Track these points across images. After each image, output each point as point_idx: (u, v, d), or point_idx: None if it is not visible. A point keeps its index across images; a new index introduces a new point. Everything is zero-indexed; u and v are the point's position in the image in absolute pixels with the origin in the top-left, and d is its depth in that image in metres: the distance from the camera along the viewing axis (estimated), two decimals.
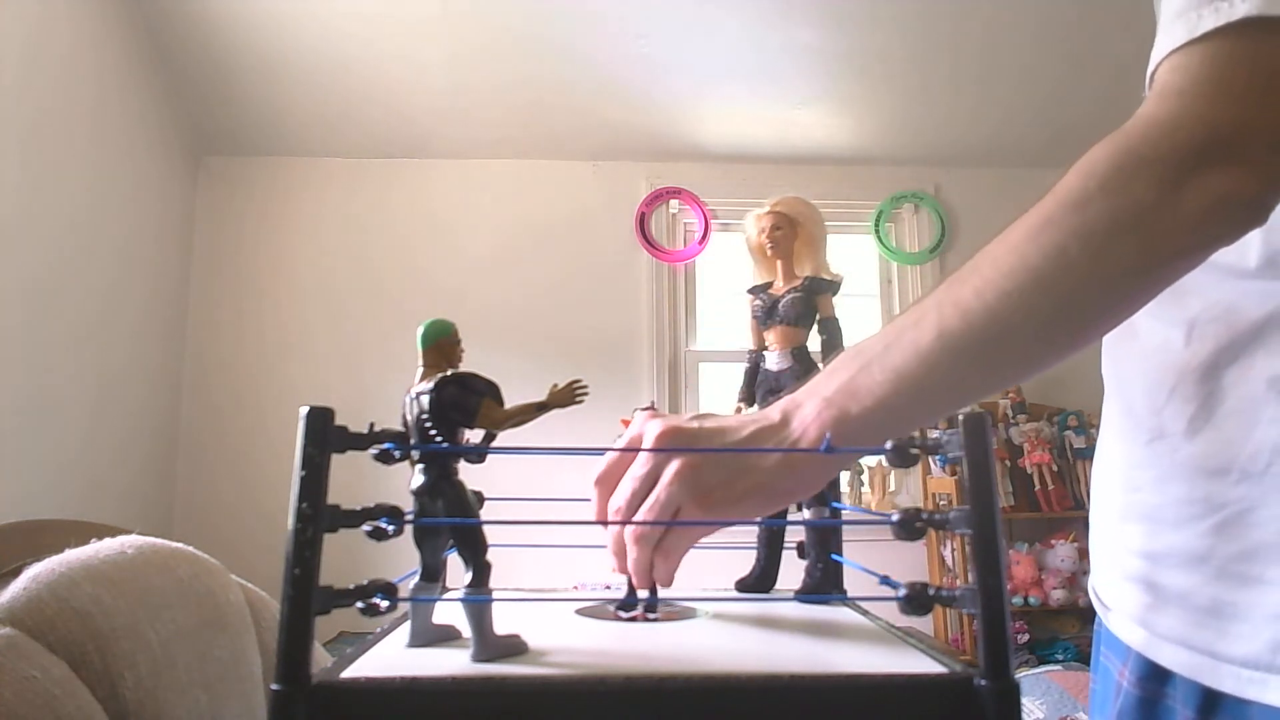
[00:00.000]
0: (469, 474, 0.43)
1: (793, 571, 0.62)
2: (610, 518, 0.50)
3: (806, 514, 0.61)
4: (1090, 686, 0.73)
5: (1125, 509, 0.62)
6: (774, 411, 0.50)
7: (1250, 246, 0.52)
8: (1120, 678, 0.62)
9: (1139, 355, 0.61)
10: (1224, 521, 0.54)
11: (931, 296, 0.50)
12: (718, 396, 3.05)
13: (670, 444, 0.48)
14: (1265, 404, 0.52)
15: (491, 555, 0.41)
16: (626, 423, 0.66)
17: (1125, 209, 0.45)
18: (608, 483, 0.50)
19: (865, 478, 2.94)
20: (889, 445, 0.37)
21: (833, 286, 0.68)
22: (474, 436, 0.43)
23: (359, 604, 0.33)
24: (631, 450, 0.49)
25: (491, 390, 0.42)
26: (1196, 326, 0.56)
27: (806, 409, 0.49)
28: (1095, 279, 0.46)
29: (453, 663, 0.38)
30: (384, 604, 0.33)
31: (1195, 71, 0.46)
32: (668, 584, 0.49)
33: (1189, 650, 0.55)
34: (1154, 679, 0.58)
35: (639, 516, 0.48)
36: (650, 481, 0.48)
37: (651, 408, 0.66)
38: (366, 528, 0.35)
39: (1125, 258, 0.46)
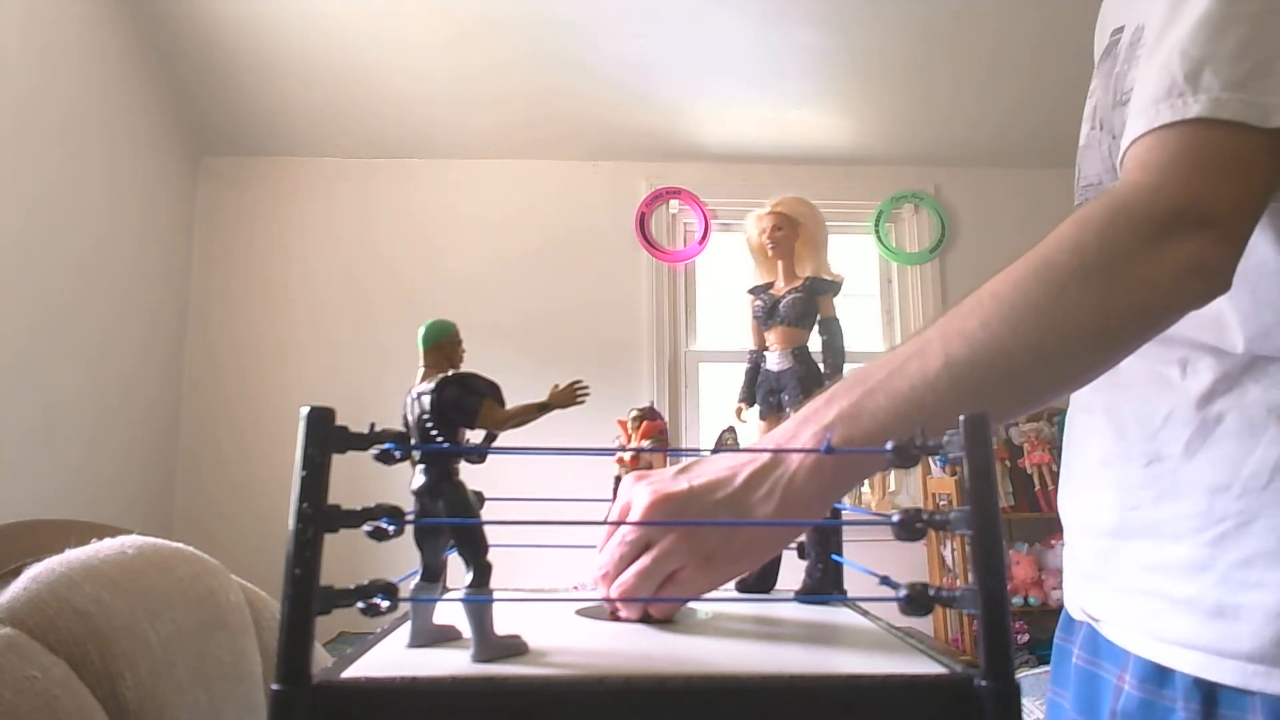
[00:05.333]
0: (469, 474, 0.43)
1: (793, 572, 0.62)
2: (596, 579, 0.51)
3: None
4: (1048, 697, 0.77)
5: (1123, 526, 0.65)
6: (767, 444, 0.51)
7: (1232, 331, 0.58)
8: (1119, 681, 0.64)
9: (1128, 386, 0.64)
10: (1224, 533, 0.57)
11: (934, 328, 0.51)
12: (718, 397, 3.05)
13: (661, 513, 0.48)
14: (1265, 427, 0.56)
15: (492, 555, 0.41)
16: (623, 424, 0.66)
17: (1118, 255, 0.50)
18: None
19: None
20: (889, 446, 0.37)
21: (834, 287, 0.68)
22: (475, 437, 0.43)
23: (359, 604, 0.33)
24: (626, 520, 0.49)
25: (493, 390, 0.42)
26: (1189, 363, 0.60)
27: (803, 437, 0.49)
28: (1096, 318, 0.50)
29: (453, 663, 0.38)
30: (384, 604, 0.33)
31: (1171, 148, 0.53)
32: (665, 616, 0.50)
33: (1196, 651, 0.57)
34: (1155, 680, 0.60)
35: (625, 578, 0.48)
36: (641, 546, 0.48)
37: (650, 407, 0.66)
38: (367, 528, 0.35)
39: (1121, 300, 0.50)
